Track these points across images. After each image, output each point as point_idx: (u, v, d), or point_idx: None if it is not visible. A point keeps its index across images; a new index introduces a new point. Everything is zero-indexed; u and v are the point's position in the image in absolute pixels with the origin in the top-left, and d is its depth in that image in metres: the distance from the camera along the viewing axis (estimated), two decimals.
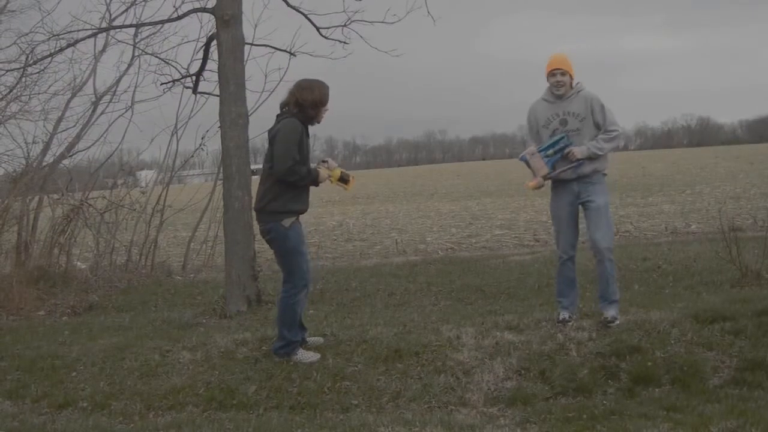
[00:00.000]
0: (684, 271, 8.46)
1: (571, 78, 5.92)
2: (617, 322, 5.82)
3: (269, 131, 5.61)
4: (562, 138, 5.84)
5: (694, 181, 27.70)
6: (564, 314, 5.98)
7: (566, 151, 5.82)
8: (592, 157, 5.83)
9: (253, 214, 6.12)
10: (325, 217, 22.61)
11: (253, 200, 5.95)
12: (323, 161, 5.77)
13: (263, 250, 13.44)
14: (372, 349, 5.66)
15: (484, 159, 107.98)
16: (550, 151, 5.86)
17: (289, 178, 5.42)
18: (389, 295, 8.38)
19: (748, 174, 28.85)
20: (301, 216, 5.60)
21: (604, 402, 4.87)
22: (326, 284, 9.27)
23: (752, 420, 4.29)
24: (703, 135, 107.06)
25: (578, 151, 5.79)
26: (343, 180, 5.76)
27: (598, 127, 5.88)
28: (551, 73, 5.93)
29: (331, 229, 18.39)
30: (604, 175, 6.00)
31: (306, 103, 5.50)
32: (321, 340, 5.89)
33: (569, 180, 5.89)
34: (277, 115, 5.65)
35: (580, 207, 5.97)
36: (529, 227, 16.13)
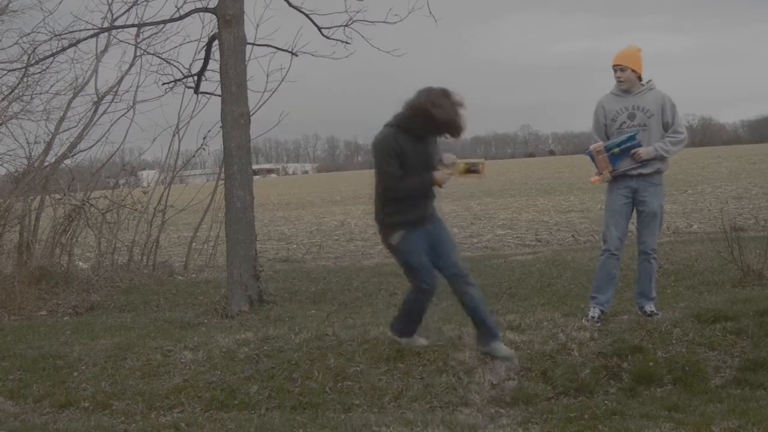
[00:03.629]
0: (686, 270, 8.46)
1: (635, 73, 5.92)
2: (659, 315, 5.91)
3: None
4: (631, 137, 5.83)
5: (696, 180, 27.68)
6: (595, 312, 5.94)
7: (632, 151, 5.82)
8: (657, 159, 5.86)
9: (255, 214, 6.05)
10: (326, 216, 22.61)
11: None
12: (440, 161, 5.33)
13: (265, 249, 13.49)
14: (374, 348, 5.66)
15: (485, 159, 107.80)
16: (616, 150, 5.86)
17: (393, 195, 5.25)
18: (391, 295, 8.37)
19: (750, 174, 28.80)
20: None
21: (606, 402, 4.87)
22: (328, 284, 9.27)
23: (754, 420, 4.29)
24: (705, 135, 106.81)
25: (644, 152, 5.82)
26: (473, 171, 5.34)
27: (665, 126, 5.91)
28: (613, 69, 5.97)
29: (333, 229, 18.39)
30: (663, 173, 6.04)
31: (419, 114, 5.12)
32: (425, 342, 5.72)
33: (630, 175, 5.91)
34: None
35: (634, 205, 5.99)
36: (531, 227, 16.11)
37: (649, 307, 6.00)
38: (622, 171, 5.90)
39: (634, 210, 6.07)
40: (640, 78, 5.99)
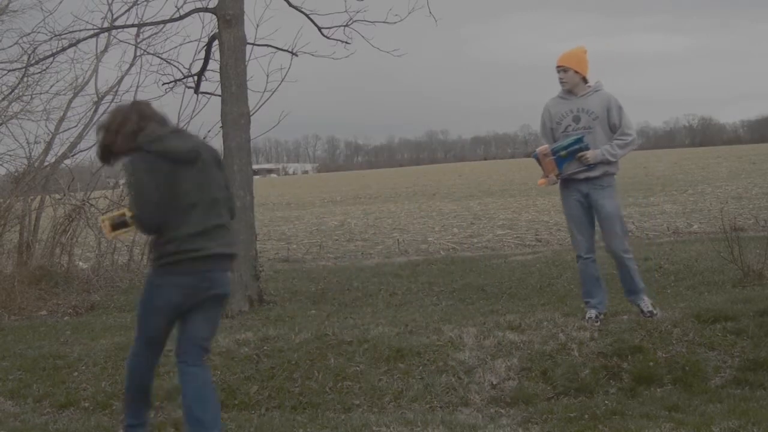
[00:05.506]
0: (686, 271, 8.46)
1: (578, 74, 5.85)
2: (657, 313, 5.86)
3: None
4: (578, 140, 5.77)
5: (696, 180, 27.66)
6: (591, 313, 5.92)
7: (579, 154, 5.77)
8: (604, 162, 5.79)
9: (255, 214, 5.98)
10: (326, 216, 22.61)
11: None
12: None
13: (265, 249, 13.49)
14: (374, 348, 5.65)
15: (485, 159, 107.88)
16: (563, 152, 5.80)
17: None
18: (391, 295, 8.38)
19: (750, 174, 28.81)
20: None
21: (606, 402, 4.87)
22: (328, 284, 9.27)
23: (754, 420, 4.29)
24: (705, 135, 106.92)
25: (591, 155, 5.74)
26: (119, 224, 4.20)
27: (612, 128, 5.83)
28: (556, 70, 5.91)
29: (333, 229, 18.39)
30: (613, 174, 5.95)
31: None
32: None
33: (578, 179, 5.86)
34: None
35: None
36: (531, 227, 16.12)
37: (644, 303, 5.92)
38: (569, 174, 5.84)
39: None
40: (585, 80, 5.90)
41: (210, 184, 4.14)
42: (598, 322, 5.83)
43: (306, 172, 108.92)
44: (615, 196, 5.95)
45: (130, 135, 4.10)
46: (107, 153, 4.23)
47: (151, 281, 4.21)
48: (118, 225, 4.18)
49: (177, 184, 4.02)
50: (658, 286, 7.71)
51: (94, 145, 4.33)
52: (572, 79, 5.85)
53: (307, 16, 8.86)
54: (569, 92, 5.91)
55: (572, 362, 5.36)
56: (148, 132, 4.09)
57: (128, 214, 4.13)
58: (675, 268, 8.69)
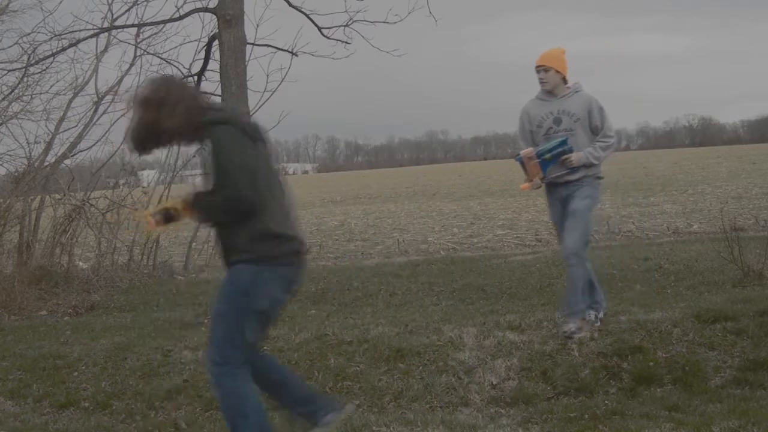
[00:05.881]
0: (686, 270, 8.46)
1: (558, 74, 5.71)
2: (577, 336, 5.51)
3: None
4: (562, 142, 5.66)
5: (696, 180, 27.65)
6: (590, 314, 5.83)
7: (563, 157, 5.65)
8: (586, 165, 5.70)
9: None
10: (326, 216, 22.61)
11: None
12: None
13: None
14: (374, 348, 5.66)
15: (485, 159, 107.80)
16: (548, 155, 5.68)
17: None
18: (391, 295, 8.37)
19: (750, 174, 28.80)
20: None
21: (606, 402, 4.87)
22: (328, 284, 9.27)
23: (754, 420, 4.29)
24: (705, 135, 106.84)
25: (576, 158, 5.63)
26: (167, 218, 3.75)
27: (593, 131, 5.74)
28: (536, 71, 5.79)
29: (333, 229, 18.39)
30: (598, 178, 5.83)
31: None
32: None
33: (559, 183, 5.76)
34: None
35: None
36: (531, 227, 16.11)
37: (567, 325, 5.57)
38: (552, 178, 5.72)
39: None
40: (565, 80, 5.76)
41: (273, 164, 3.72)
42: (599, 323, 5.80)
43: (306, 172, 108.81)
44: (590, 197, 5.75)
45: (195, 110, 3.55)
46: (156, 135, 3.60)
47: (251, 278, 3.59)
48: (165, 220, 3.69)
49: (262, 162, 3.58)
50: (658, 286, 7.72)
51: (131, 127, 3.62)
52: (553, 79, 5.73)
53: (307, 16, 8.88)
54: (549, 93, 5.78)
55: (572, 362, 5.35)
56: (215, 106, 3.64)
57: (178, 206, 3.67)
58: (675, 268, 8.69)
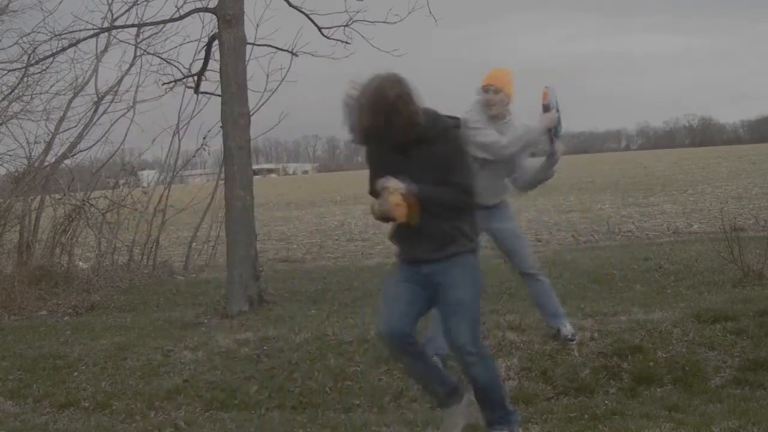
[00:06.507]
0: (686, 271, 8.45)
1: (507, 98, 5.24)
2: (577, 337, 5.48)
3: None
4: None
5: (696, 180, 27.64)
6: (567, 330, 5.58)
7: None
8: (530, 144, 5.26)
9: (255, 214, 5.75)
10: (326, 216, 22.61)
11: None
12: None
13: (265, 249, 13.47)
14: (374, 348, 5.65)
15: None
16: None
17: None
18: None
19: (750, 174, 28.79)
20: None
21: (606, 402, 4.87)
22: (328, 284, 9.27)
23: (754, 419, 4.29)
24: (705, 135, 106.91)
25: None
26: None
27: (511, 160, 5.27)
28: (484, 89, 5.23)
29: (333, 229, 18.39)
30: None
31: None
32: None
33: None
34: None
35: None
36: (531, 227, 16.09)
37: (566, 329, 5.47)
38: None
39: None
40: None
41: None
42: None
43: (306, 172, 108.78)
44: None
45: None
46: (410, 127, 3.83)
47: (476, 268, 4.12)
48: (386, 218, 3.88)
49: None
50: (658, 286, 7.72)
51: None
52: (503, 100, 5.24)
53: (307, 16, 8.86)
54: (493, 116, 5.22)
55: (572, 362, 5.35)
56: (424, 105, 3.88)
57: (398, 200, 3.77)
58: (675, 268, 8.68)
